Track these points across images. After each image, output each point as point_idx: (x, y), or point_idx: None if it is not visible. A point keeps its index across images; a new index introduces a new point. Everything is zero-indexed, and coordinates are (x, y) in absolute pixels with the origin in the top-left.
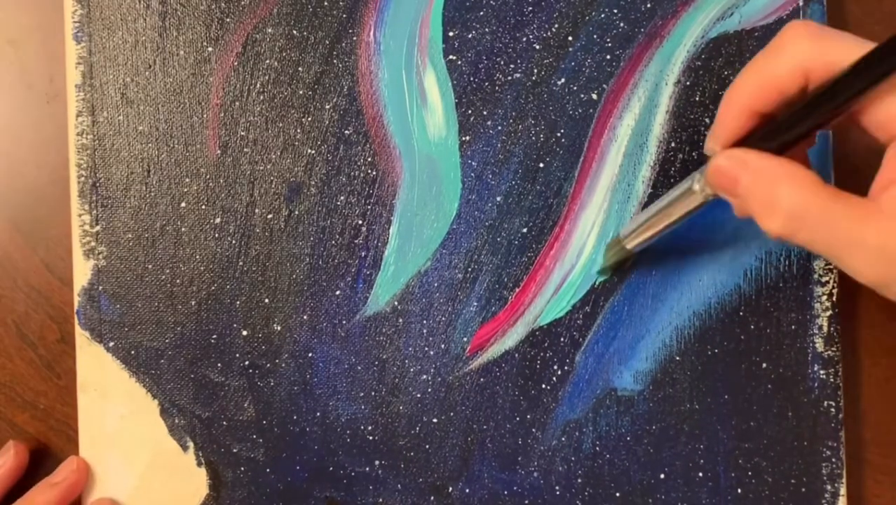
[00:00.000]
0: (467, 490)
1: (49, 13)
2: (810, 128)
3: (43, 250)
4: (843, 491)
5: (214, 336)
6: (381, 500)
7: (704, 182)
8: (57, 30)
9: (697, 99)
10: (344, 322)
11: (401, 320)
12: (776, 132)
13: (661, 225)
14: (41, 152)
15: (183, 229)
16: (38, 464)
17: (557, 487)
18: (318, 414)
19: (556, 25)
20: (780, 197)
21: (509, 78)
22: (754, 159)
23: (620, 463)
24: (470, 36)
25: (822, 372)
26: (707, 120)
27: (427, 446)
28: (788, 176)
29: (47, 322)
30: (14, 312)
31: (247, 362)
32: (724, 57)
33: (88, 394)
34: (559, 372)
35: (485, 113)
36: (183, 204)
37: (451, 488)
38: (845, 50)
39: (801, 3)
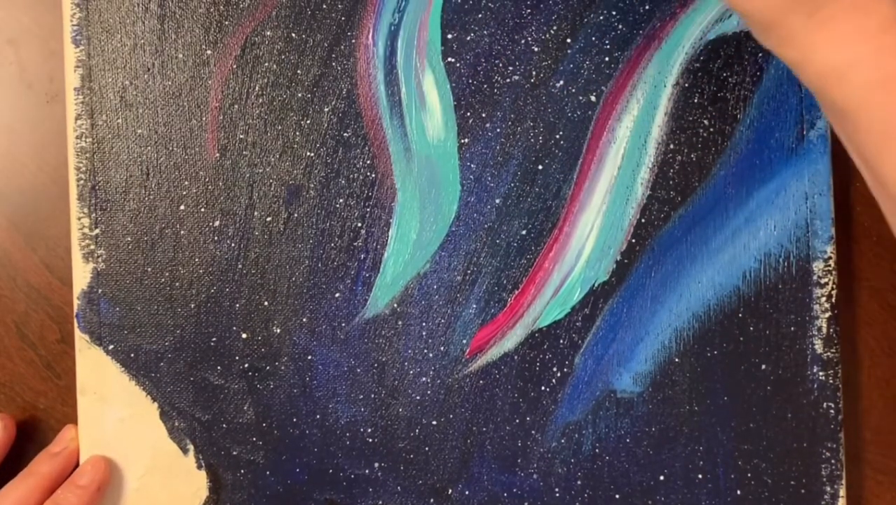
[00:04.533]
0: (467, 492)
1: (48, 13)
2: None
3: (43, 250)
4: (842, 493)
5: (214, 339)
6: (380, 502)
7: None
8: (56, 29)
9: (696, 101)
10: (343, 325)
11: (400, 323)
12: None
13: None
14: (41, 152)
15: (182, 232)
16: None
17: (557, 489)
18: (318, 416)
19: (555, 27)
20: None
21: (508, 80)
22: None
23: (620, 465)
24: (468, 38)
25: (821, 374)
26: (706, 122)
27: (426, 448)
28: None
29: (47, 322)
30: (14, 312)
31: (246, 365)
32: (722, 59)
33: (88, 397)
34: (558, 374)
35: (483, 115)
36: (182, 207)
37: (450, 490)
38: None
39: None
